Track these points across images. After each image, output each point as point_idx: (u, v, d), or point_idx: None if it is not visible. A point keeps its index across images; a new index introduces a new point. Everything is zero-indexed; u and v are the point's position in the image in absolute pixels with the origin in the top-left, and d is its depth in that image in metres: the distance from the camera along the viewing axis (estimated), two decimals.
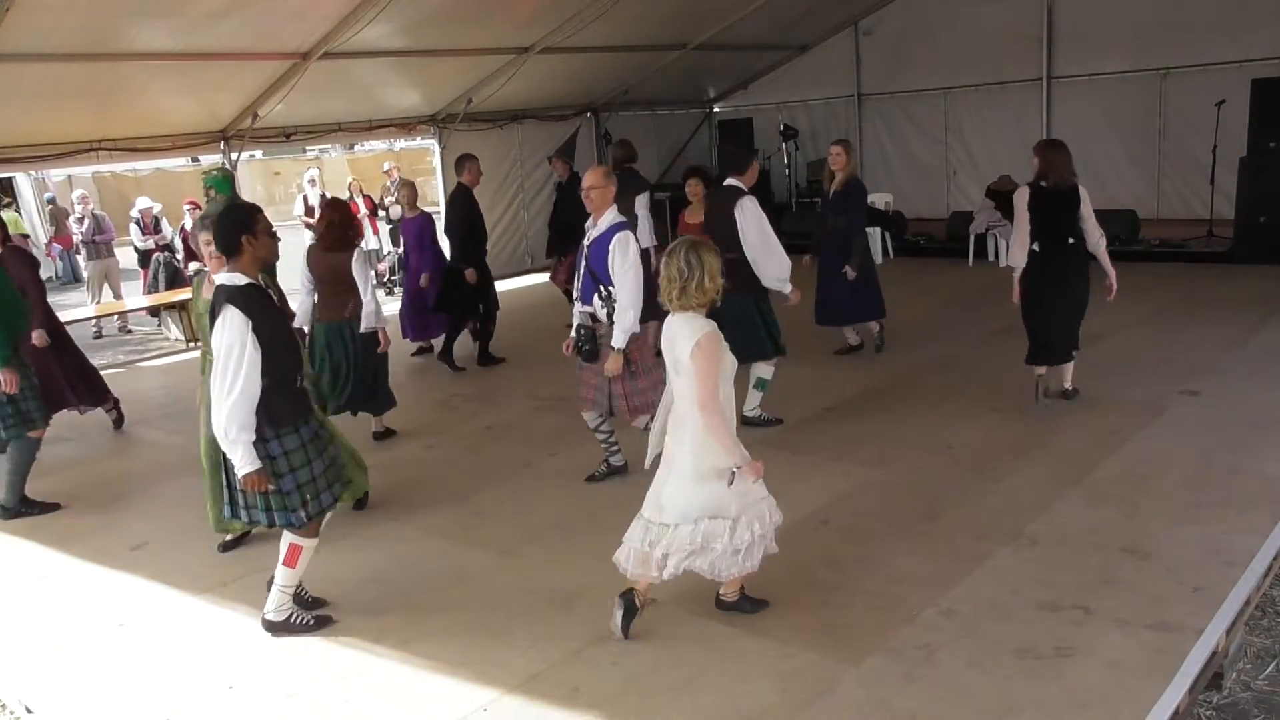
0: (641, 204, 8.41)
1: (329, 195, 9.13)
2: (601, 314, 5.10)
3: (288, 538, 4.00)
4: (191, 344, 10.68)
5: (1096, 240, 6.09)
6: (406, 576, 4.59)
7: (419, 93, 11.60)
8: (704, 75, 14.78)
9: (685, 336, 3.61)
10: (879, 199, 12.55)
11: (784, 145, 14.38)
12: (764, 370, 6.21)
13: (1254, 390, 6.35)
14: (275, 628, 4.11)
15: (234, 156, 10.60)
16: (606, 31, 10.98)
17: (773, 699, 3.40)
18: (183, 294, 11.33)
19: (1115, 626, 3.69)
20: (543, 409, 7.12)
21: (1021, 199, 6.07)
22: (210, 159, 13.34)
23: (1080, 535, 4.49)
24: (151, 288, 12.20)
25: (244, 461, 3.71)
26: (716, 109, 16.14)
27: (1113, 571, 4.13)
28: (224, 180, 6.54)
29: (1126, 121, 12.32)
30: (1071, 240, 6.02)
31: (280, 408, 3.80)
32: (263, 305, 3.78)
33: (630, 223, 5.23)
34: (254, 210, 4.01)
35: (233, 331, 3.66)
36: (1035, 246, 6.05)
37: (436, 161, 12.71)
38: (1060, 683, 3.38)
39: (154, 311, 11.84)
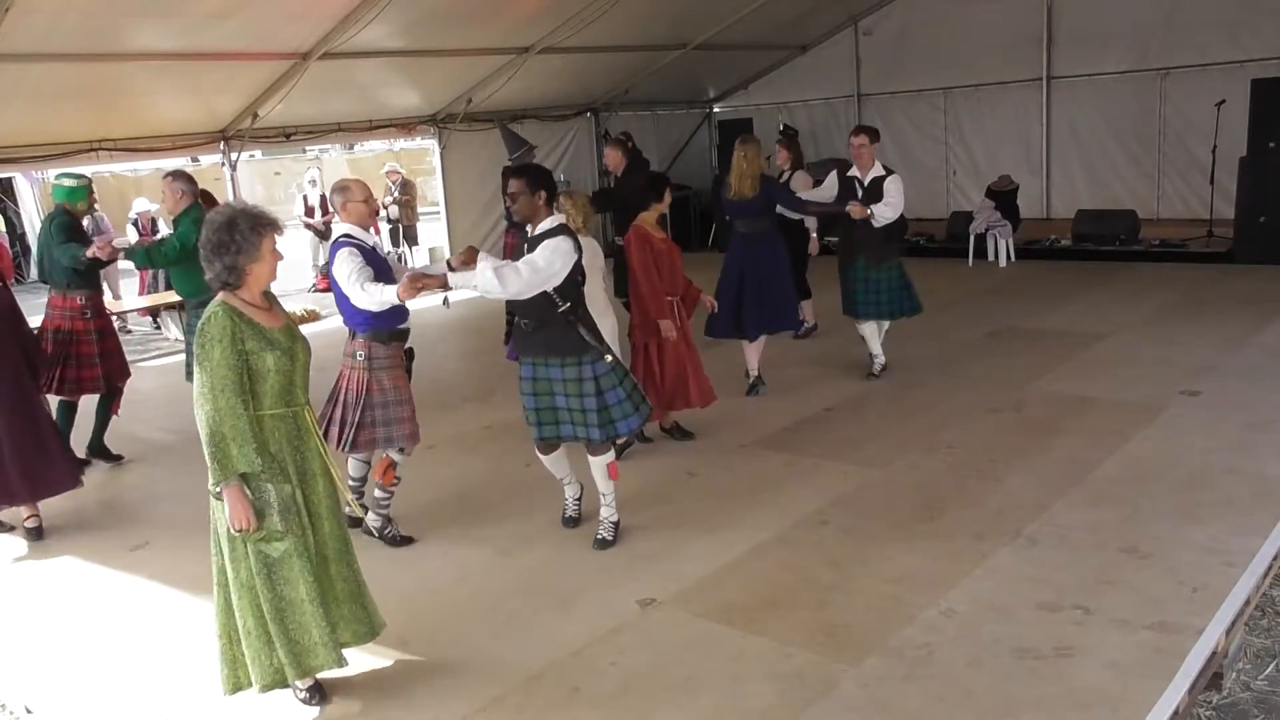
0: None
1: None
2: None
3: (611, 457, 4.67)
4: None
5: None
6: (407, 577, 4.58)
7: (419, 93, 11.60)
8: (704, 75, 14.77)
9: (600, 252, 5.77)
10: None
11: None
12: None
13: (1254, 391, 6.35)
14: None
15: (234, 156, 10.61)
16: (606, 31, 10.98)
17: (772, 699, 3.40)
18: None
19: (1115, 626, 3.69)
20: None
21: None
22: (210, 159, 13.36)
23: (1080, 535, 4.49)
24: (150, 288, 12.19)
25: None
26: (716, 109, 16.13)
27: (1113, 571, 4.13)
28: (75, 189, 6.21)
29: (1126, 121, 12.31)
30: None
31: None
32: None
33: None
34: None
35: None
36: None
37: (436, 161, 12.71)
38: (1060, 683, 3.38)
39: (153, 313, 11.84)
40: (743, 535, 4.73)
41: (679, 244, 6.09)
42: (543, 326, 4.45)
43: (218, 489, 3.20)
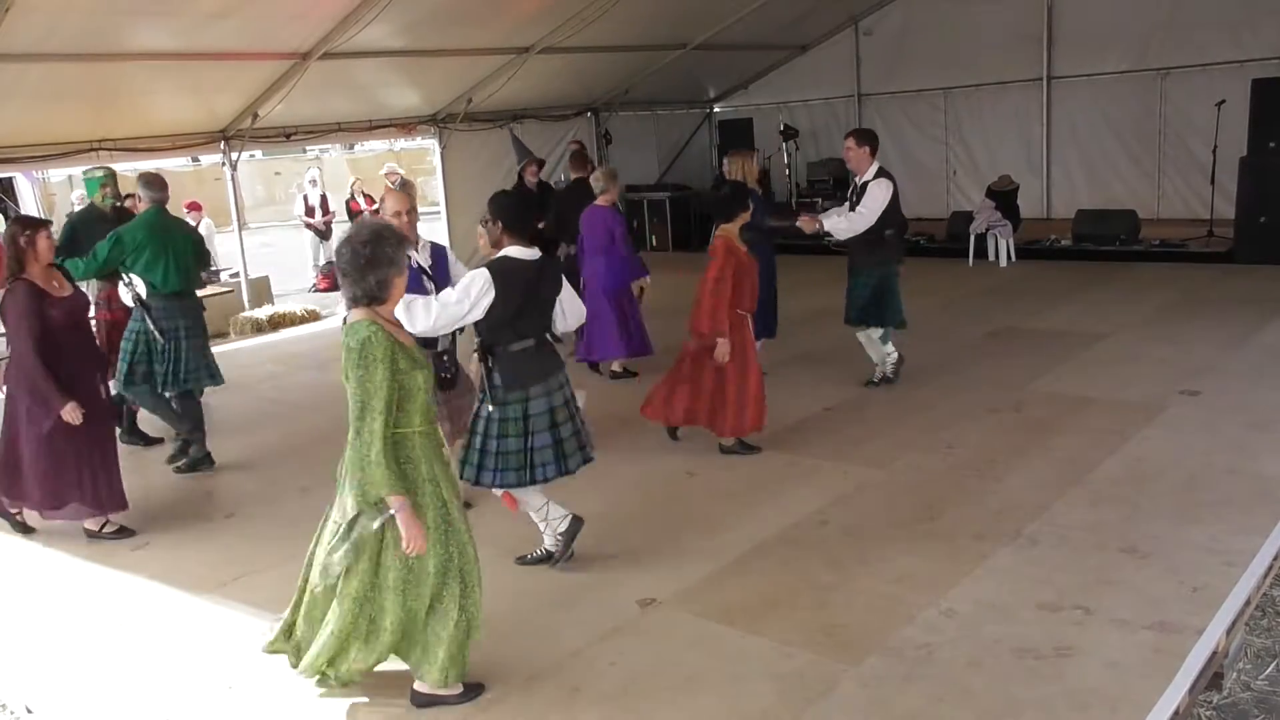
0: None
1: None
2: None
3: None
4: None
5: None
6: None
7: (419, 93, 11.61)
8: (704, 75, 14.78)
9: None
10: None
11: (784, 145, 14.39)
12: None
13: (1254, 390, 6.35)
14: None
15: (234, 156, 10.61)
16: (606, 31, 10.99)
17: (772, 699, 3.40)
18: None
19: (1115, 626, 3.69)
20: None
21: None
22: (210, 159, 13.37)
23: (1080, 535, 4.49)
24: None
25: None
26: (716, 109, 16.14)
27: (1113, 571, 4.13)
28: (89, 182, 6.57)
29: (1126, 121, 12.33)
30: None
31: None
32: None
33: None
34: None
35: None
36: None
37: (436, 161, 12.72)
38: (1060, 683, 3.38)
39: None
40: (743, 535, 4.73)
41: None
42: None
43: (388, 511, 3.18)
